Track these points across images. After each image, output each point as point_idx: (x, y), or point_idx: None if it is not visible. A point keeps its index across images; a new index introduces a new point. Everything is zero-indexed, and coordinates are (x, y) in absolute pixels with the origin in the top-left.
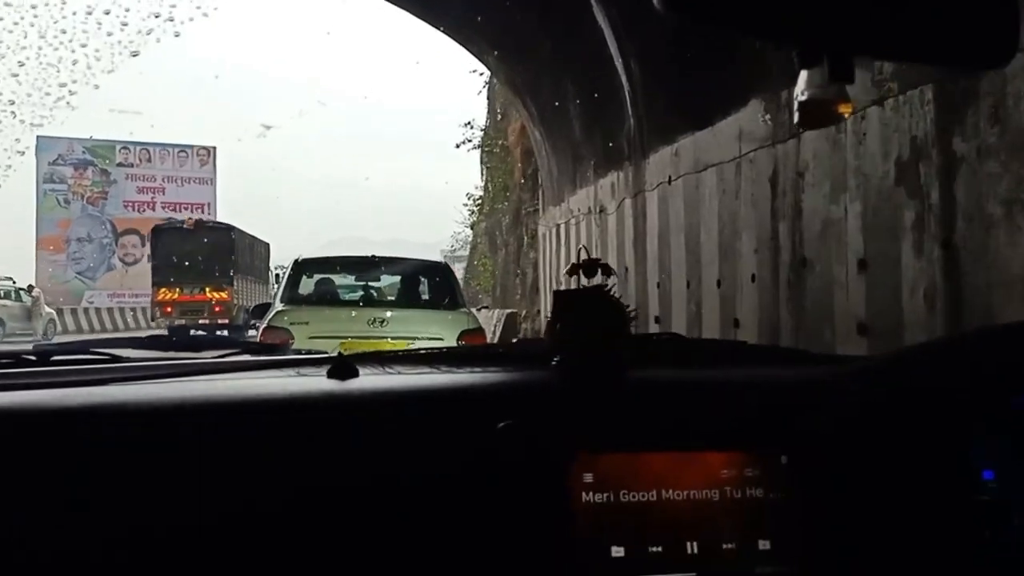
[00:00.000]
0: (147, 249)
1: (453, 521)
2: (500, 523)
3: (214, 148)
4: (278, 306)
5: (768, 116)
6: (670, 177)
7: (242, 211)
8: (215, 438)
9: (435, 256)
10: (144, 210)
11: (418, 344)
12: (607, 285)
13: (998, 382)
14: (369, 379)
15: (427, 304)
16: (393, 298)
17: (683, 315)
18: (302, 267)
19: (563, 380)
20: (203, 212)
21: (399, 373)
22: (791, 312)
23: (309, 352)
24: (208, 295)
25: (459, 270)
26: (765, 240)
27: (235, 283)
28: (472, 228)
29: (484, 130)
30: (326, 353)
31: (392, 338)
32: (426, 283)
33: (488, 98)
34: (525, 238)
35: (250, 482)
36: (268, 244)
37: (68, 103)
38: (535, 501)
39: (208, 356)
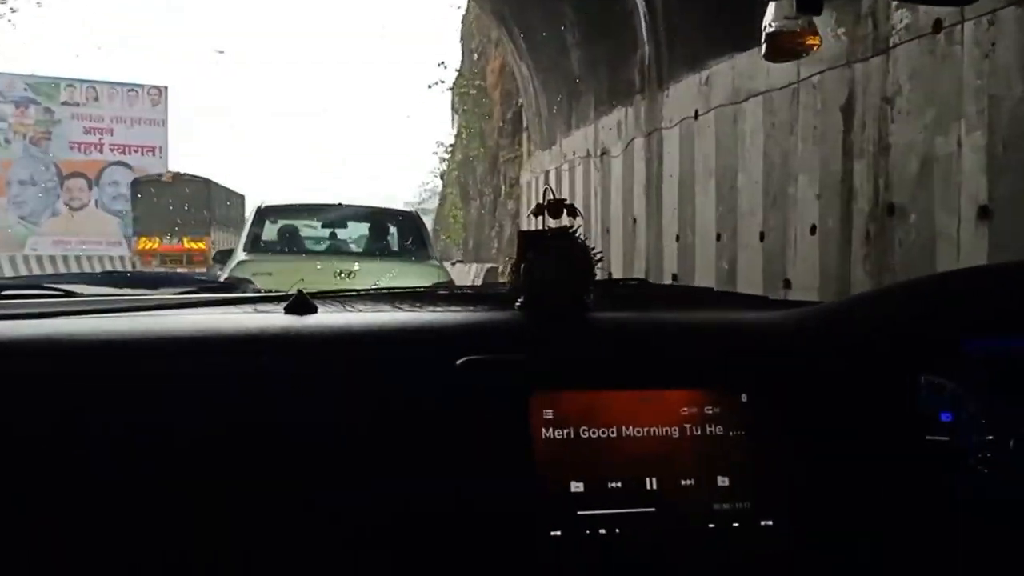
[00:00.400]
0: (94, 193)
1: (412, 457)
2: (460, 459)
3: (166, 88)
4: (240, 255)
5: (842, 30)
6: (696, 111)
7: (195, 154)
8: (171, 372)
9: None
10: (91, 152)
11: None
12: (572, 227)
13: (948, 324)
14: (328, 316)
15: (396, 255)
16: (360, 249)
17: (711, 273)
18: (264, 214)
19: (525, 319)
20: (154, 155)
21: (359, 311)
22: (870, 271)
23: (267, 291)
24: (187, 245)
25: (428, 222)
26: (832, 184)
27: (212, 233)
28: (442, 178)
29: (458, 71)
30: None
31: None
32: (395, 233)
33: (463, 36)
34: (503, 187)
35: (207, 417)
36: (243, 196)
37: (10, 22)
38: (494, 437)
39: (165, 292)
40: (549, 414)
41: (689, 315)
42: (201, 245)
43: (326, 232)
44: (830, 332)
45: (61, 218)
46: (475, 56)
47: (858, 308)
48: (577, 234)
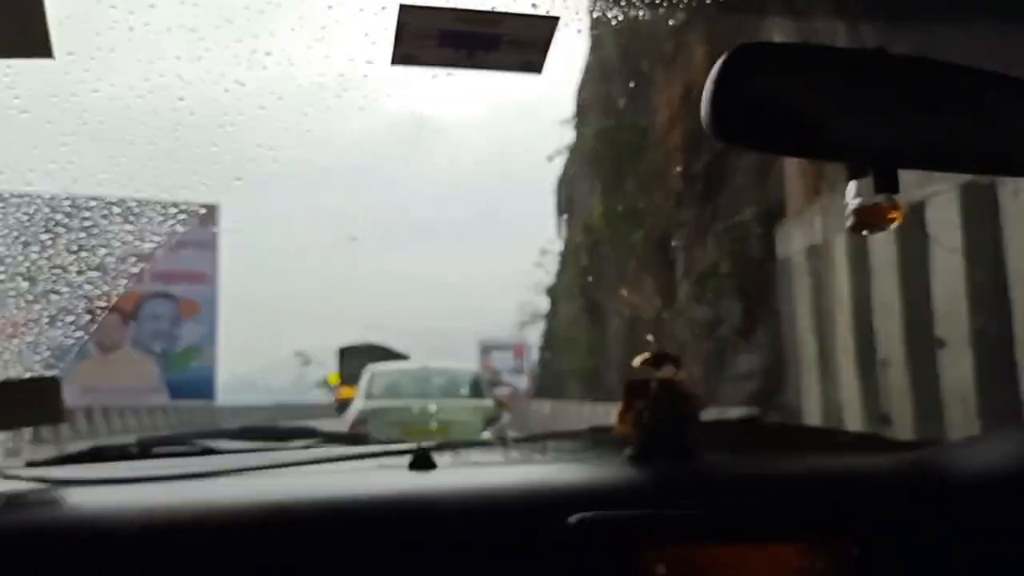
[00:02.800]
0: (131, 330)
1: None
2: None
3: (217, 206)
4: (360, 402)
5: None
6: None
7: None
8: (307, 537)
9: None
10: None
11: (452, 421)
12: (677, 374)
13: None
14: (448, 474)
15: (459, 397)
16: (438, 394)
17: None
18: (373, 376)
19: (634, 472)
20: (203, 282)
21: (475, 464)
22: None
23: (390, 441)
24: None
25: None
26: None
27: None
28: (550, 293)
29: (577, 116)
30: (403, 442)
31: (439, 422)
32: (459, 383)
33: (589, 68)
34: (685, 279)
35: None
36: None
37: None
38: None
39: (295, 445)
40: (661, 569)
41: (799, 461)
42: None
43: (416, 381)
44: (943, 479)
45: (91, 361)
46: (610, 96)
47: (972, 452)
48: (682, 379)
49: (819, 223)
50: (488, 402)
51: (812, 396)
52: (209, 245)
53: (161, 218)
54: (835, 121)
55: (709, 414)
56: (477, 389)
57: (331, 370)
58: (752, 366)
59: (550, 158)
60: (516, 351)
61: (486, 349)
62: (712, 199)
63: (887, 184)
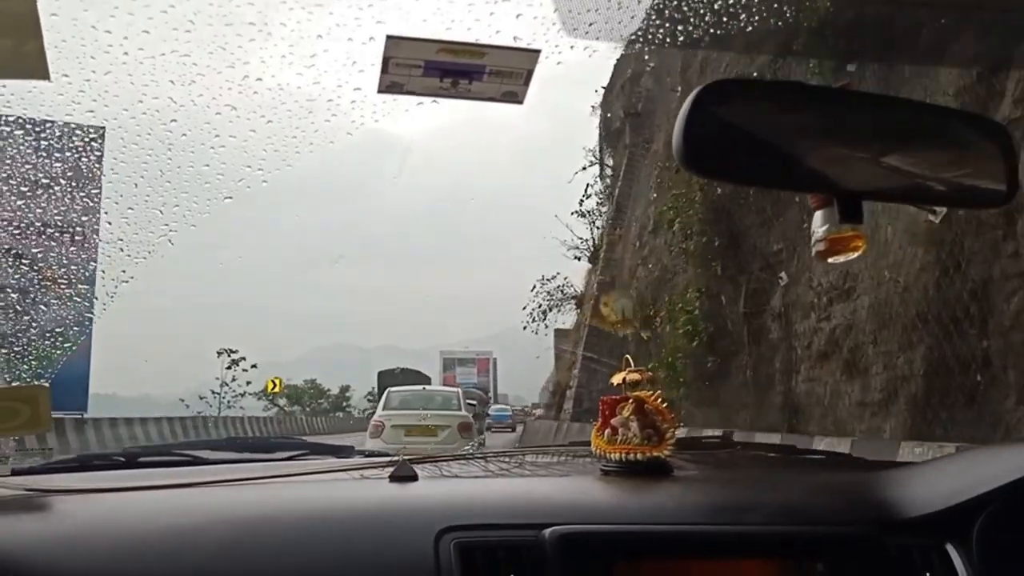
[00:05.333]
0: None
1: None
2: None
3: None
4: (380, 412)
5: None
6: None
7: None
8: (290, 546)
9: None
10: None
11: (438, 425)
12: (654, 393)
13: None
14: (427, 485)
15: (447, 408)
16: (433, 406)
17: None
18: (390, 394)
19: (608, 487)
20: None
21: (455, 476)
22: None
23: (371, 454)
24: None
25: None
26: None
27: None
28: (579, 305)
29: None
30: (387, 455)
31: (430, 424)
32: (447, 398)
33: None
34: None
35: None
36: (430, 376)
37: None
38: None
39: (279, 456)
40: None
41: (769, 478)
42: None
43: (418, 398)
44: (896, 501)
45: None
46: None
47: (942, 472)
48: (657, 398)
49: None
50: (463, 412)
51: None
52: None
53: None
54: (802, 154)
55: (682, 432)
56: (458, 404)
57: (271, 377)
58: None
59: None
60: (480, 365)
61: (448, 364)
62: None
63: (851, 214)
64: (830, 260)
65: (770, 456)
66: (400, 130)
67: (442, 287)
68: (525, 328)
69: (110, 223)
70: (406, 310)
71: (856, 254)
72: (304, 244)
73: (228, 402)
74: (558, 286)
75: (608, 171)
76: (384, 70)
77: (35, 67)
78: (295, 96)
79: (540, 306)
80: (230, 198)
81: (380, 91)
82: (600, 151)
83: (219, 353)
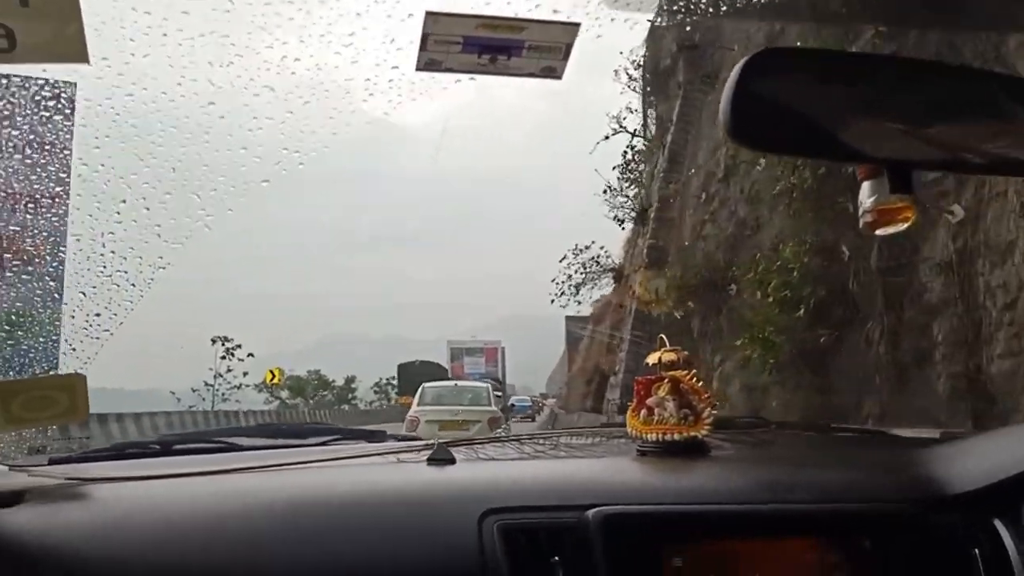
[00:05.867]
0: None
1: None
2: None
3: None
4: (415, 408)
5: None
6: None
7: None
8: (329, 531)
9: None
10: None
11: (469, 420)
12: (689, 372)
13: None
14: (466, 468)
15: (478, 402)
16: (464, 400)
17: None
18: (424, 389)
19: (646, 469)
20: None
21: (492, 459)
22: None
23: (405, 438)
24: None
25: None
26: None
27: None
28: (618, 279)
29: None
30: (421, 439)
31: (461, 420)
32: (479, 393)
33: None
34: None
35: (364, 569)
36: (447, 369)
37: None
38: None
39: (312, 442)
40: (678, 562)
41: (809, 458)
42: None
43: (451, 393)
44: (940, 478)
45: None
46: None
47: (976, 449)
48: (692, 377)
49: None
50: (493, 408)
51: None
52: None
53: None
54: (850, 124)
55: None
56: (488, 399)
57: (270, 367)
58: None
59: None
60: (488, 355)
61: (456, 354)
62: None
63: (901, 185)
64: (878, 232)
65: (807, 435)
66: (423, 115)
67: (450, 276)
68: (553, 302)
69: (148, 208)
70: (413, 299)
71: (906, 225)
72: (306, 231)
73: (223, 395)
74: (593, 257)
75: (652, 122)
76: (423, 47)
77: (75, 50)
78: (333, 76)
79: (571, 278)
80: (267, 181)
81: (419, 69)
82: (644, 97)
83: (213, 341)
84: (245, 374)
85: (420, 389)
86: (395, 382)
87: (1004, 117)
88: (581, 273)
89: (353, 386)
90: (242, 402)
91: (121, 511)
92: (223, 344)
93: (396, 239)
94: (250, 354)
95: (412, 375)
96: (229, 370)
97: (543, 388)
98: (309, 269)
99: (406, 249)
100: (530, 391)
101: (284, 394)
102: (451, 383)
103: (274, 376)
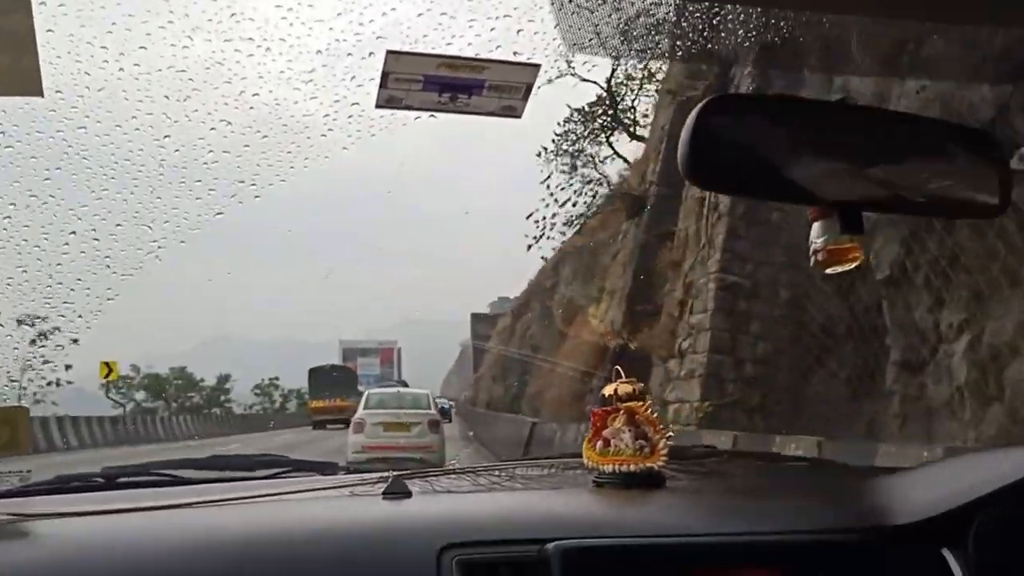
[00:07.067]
0: None
1: None
2: None
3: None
4: (361, 411)
5: None
6: None
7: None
8: (282, 569)
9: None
10: None
11: (411, 422)
12: (645, 403)
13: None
14: (422, 502)
15: (416, 405)
16: (405, 404)
17: None
18: (369, 394)
19: (602, 500)
20: None
21: (448, 492)
22: None
23: (358, 470)
24: (339, 403)
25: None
26: None
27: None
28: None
29: None
30: (376, 472)
31: (404, 421)
32: (418, 399)
33: None
34: None
35: None
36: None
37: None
38: None
39: (262, 474)
40: None
41: (761, 487)
42: (347, 403)
43: (394, 398)
44: (892, 507)
45: None
46: None
47: (923, 480)
48: (647, 408)
49: None
50: (433, 411)
51: None
52: None
53: None
54: (803, 166)
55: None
56: (428, 403)
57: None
58: None
59: None
60: (384, 356)
61: (349, 354)
62: None
63: (852, 225)
64: (828, 271)
65: (758, 464)
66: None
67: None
68: (529, 248)
69: (97, 240)
70: (303, 302)
71: (855, 264)
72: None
73: (36, 395)
74: (591, 181)
75: None
76: (383, 85)
77: (29, 84)
78: (291, 111)
79: (554, 216)
80: (221, 214)
81: (378, 106)
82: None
83: (20, 322)
84: (68, 368)
85: (366, 395)
86: (278, 383)
87: (949, 161)
88: (575, 197)
89: (227, 387)
90: (59, 405)
91: (65, 549)
92: (32, 325)
93: (286, 242)
94: (75, 340)
95: (323, 380)
96: (46, 361)
97: (438, 391)
98: (184, 272)
99: (300, 252)
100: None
101: (140, 396)
102: (394, 389)
103: (109, 370)
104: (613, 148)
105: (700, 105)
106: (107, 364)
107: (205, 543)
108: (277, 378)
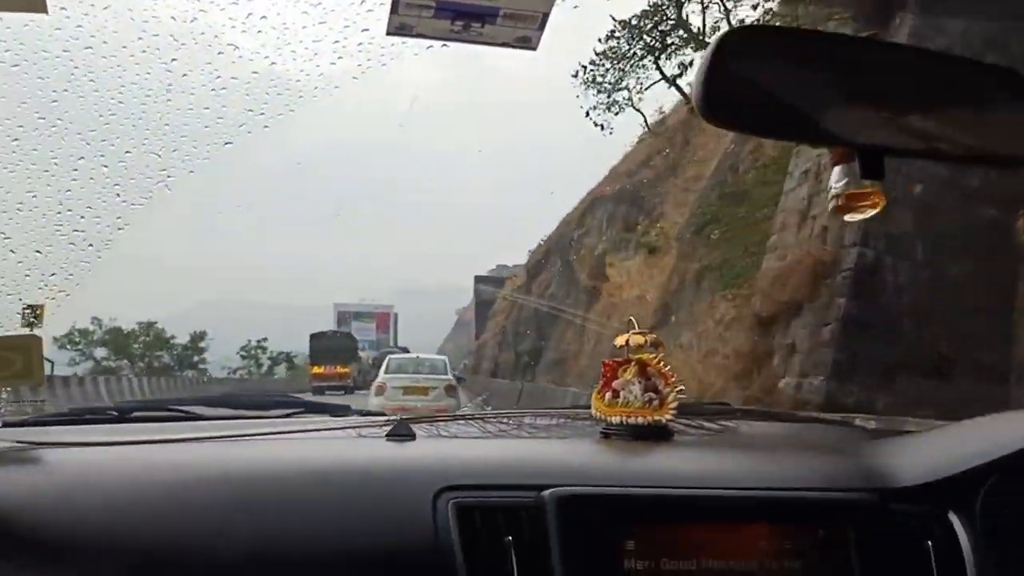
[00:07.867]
0: None
1: None
2: None
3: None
4: (382, 375)
5: None
6: None
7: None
8: (286, 503)
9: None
10: None
11: (429, 386)
12: (657, 355)
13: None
14: (425, 444)
15: (434, 372)
16: (424, 369)
17: None
18: (391, 360)
19: (608, 450)
20: None
21: (453, 436)
22: None
23: (368, 413)
24: (339, 370)
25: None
26: None
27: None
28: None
29: None
30: (384, 415)
31: (421, 384)
32: (435, 364)
33: None
34: None
35: (317, 541)
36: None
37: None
38: (578, 567)
39: (275, 414)
40: (631, 545)
41: (770, 445)
42: (347, 369)
43: (412, 364)
44: (899, 468)
45: None
46: None
47: (935, 441)
48: (660, 361)
49: None
50: (449, 376)
51: None
52: None
53: None
54: (823, 106)
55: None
56: (445, 369)
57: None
58: None
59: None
60: (379, 320)
61: (343, 318)
62: None
63: (873, 171)
64: (847, 217)
65: (772, 423)
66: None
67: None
68: (588, 116)
69: (106, 167)
70: (300, 267)
71: (874, 211)
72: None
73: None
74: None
75: None
76: (394, 10)
77: (32, 0)
78: (300, 36)
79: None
80: (230, 143)
81: (389, 33)
82: None
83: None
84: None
85: (387, 360)
86: (265, 344)
87: (983, 106)
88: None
89: (202, 345)
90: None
91: (76, 477)
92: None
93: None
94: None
95: (324, 345)
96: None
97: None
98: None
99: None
100: None
101: (100, 353)
102: (413, 355)
103: (35, 316)
104: (663, 73)
105: (718, 37)
106: (32, 308)
107: (210, 476)
108: (265, 339)
